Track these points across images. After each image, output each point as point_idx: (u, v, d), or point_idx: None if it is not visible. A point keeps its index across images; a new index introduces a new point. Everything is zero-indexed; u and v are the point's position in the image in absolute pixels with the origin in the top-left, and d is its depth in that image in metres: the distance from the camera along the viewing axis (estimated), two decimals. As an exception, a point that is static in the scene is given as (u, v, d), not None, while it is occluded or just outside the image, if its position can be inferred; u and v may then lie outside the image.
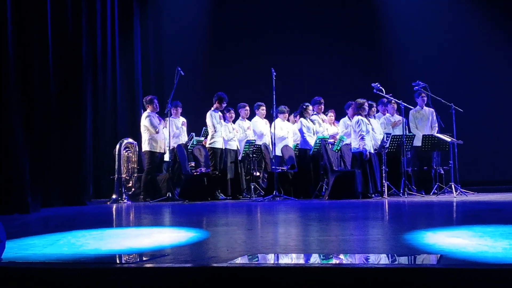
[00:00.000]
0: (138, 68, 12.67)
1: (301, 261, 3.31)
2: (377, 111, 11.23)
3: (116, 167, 10.46)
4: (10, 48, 7.91)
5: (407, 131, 10.84)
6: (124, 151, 10.60)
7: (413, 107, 11.03)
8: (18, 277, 2.98)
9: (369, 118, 10.29)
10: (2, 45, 7.82)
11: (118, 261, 3.49)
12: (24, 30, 8.32)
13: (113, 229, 5.73)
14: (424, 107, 11.11)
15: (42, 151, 8.73)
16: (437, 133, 10.71)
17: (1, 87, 7.69)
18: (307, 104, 10.87)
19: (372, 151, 10.11)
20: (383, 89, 10.38)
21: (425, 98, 11.00)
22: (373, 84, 10.34)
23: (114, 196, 10.30)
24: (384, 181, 9.91)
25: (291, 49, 13.85)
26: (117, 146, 10.57)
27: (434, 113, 11.06)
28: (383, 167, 9.95)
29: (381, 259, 3.26)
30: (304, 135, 10.65)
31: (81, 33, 10.11)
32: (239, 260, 3.21)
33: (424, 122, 11.07)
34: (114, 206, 9.43)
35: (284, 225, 5.75)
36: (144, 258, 3.48)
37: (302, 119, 10.81)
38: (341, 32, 13.88)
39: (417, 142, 10.68)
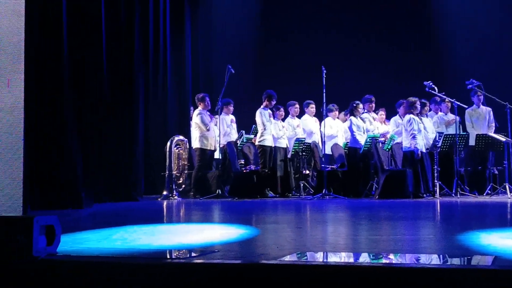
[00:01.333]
0: (188, 66, 12.78)
1: (351, 260, 3.29)
2: (430, 110, 11.05)
3: (167, 164, 10.58)
4: (65, 46, 8.09)
5: (460, 130, 10.64)
6: (175, 148, 10.72)
7: (466, 106, 10.82)
8: (72, 270, 3.05)
9: (422, 117, 10.15)
10: (58, 44, 8.00)
11: (168, 257, 3.53)
12: (79, 27, 8.50)
13: (164, 225, 5.80)
14: (481, 106, 10.87)
15: (95, 147, 8.90)
16: (493, 132, 10.48)
17: (55, 84, 7.87)
18: (357, 102, 10.78)
19: (424, 150, 9.97)
20: (435, 87, 10.22)
21: (481, 97, 10.76)
22: (425, 83, 10.19)
23: (164, 193, 10.43)
24: (436, 181, 9.76)
25: (342, 46, 13.75)
26: (168, 143, 10.69)
27: (491, 112, 10.82)
28: (435, 167, 9.79)
29: (433, 260, 3.21)
30: (354, 133, 10.58)
31: (133, 31, 10.27)
32: (288, 258, 3.21)
33: (481, 121, 10.83)
34: (165, 203, 9.55)
35: (333, 224, 5.73)
36: (194, 254, 3.52)
37: (352, 117, 10.73)
38: (393, 30, 13.71)
39: (473, 142, 10.47)
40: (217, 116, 10.90)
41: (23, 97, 5.61)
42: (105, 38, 9.33)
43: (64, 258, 3.20)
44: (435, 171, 9.76)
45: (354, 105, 10.74)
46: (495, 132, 10.53)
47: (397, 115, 11.01)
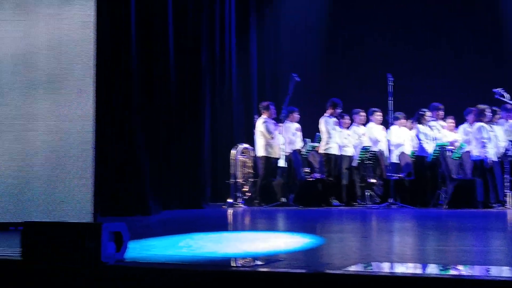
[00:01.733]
0: (254, 74, 12.86)
1: (418, 271, 3.23)
2: (501, 117, 10.74)
3: (232, 172, 10.65)
4: (134, 53, 8.27)
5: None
6: (240, 156, 10.79)
7: (539, 113, 10.45)
8: (139, 276, 3.11)
9: (492, 125, 9.88)
10: (127, 55, 8.19)
11: (233, 265, 3.56)
12: (147, 36, 8.70)
13: (229, 233, 5.84)
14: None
15: (162, 154, 9.07)
16: None
17: (123, 95, 8.06)
18: (424, 110, 10.59)
19: (495, 159, 9.69)
20: (506, 94, 9.94)
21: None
22: (495, 90, 9.93)
23: (229, 200, 10.49)
24: (506, 191, 9.47)
25: (409, 53, 13.54)
26: (233, 151, 10.77)
27: None
28: (506, 176, 9.50)
29: (504, 272, 3.12)
30: (421, 141, 10.39)
31: (200, 40, 10.42)
32: (353, 268, 3.18)
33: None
34: (230, 210, 9.62)
35: (400, 234, 5.64)
36: (259, 262, 3.53)
37: (419, 125, 10.55)
38: (462, 36, 13.41)
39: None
40: (281, 124, 10.90)
41: (94, 108, 5.78)
42: (173, 49, 9.50)
43: (132, 264, 3.26)
44: (506, 180, 9.48)
45: (421, 113, 10.55)
46: None
47: (466, 123, 10.74)
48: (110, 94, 7.75)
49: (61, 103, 5.76)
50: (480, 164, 9.54)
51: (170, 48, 9.46)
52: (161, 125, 9.09)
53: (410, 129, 11.23)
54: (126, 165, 7.98)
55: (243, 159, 10.87)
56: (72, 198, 5.64)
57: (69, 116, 5.77)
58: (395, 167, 10.48)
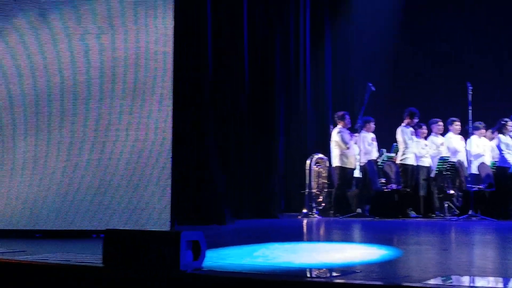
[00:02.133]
0: (328, 83, 12.82)
1: (499, 285, 3.13)
2: None
3: (307, 181, 10.63)
4: (209, 65, 8.41)
5: None
6: (315, 166, 10.76)
7: None
8: (217, 284, 3.14)
9: None
10: (203, 65, 8.33)
11: (309, 275, 3.54)
12: (222, 49, 8.84)
13: (304, 243, 5.83)
14: None
15: (237, 164, 9.16)
16: None
17: (199, 104, 8.20)
18: (506, 119, 10.27)
19: None
20: None
21: None
22: None
23: (304, 211, 10.47)
24: None
25: (489, 61, 13.17)
26: (308, 161, 10.75)
27: None
28: None
29: None
30: (503, 152, 10.07)
31: (274, 51, 10.49)
32: (433, 281, 3.11)
33: None
34: (305, 221, 9.59)
35: (480, 247, 5.48)
36: (335, 274, 3.50)
37: (500, 135, 10.24)
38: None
39: None
40: (357, 134, 10.81)
41: (171, 119, 5.91)
42: (247, 58, 9.61)
43: (209, 272, 3.30)
44: None
45: (503, 122, 10.24)
46: None
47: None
48: (187, 105, 7.89)
49: (141, 113, 5.92)
50: None
51: (245, 60, 9.58)
52: (235, 135, 9.19)
53: (491, 139, 10.91)
54: (202, 175, 8.10)
55: (318, 169, 10.83)
56: (150, 206, 5.77)
57: (148, 126, 5.92)
58: (475, 178, 10.19)
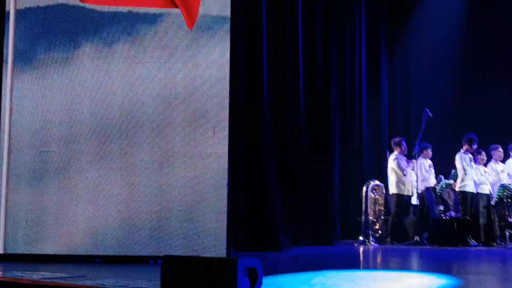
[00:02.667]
0: (385, 109, 12.72)
1: None
2: None
3: (363, 209, 10.51)
4: (265, 92, 8.48)
5: None
6: (371, 193, 10.64)
7: None
8: (274, 312, 3.13)
9: None
10: (259, 91, 8.41)
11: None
12: (278, 75, 8.91)
13: (361, 271, 5.75)
14: None
15: (292, 191, 9.16)
16: None
17: (256, 130, 8.26)
18: None
19: None
20: None
21: None
22: None
23: (361, 238, 10.34)
24: None
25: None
26: (364, 188, 10.64)
27: None
28: None
29: None
30: None
31: (330, 79, 10.51)
32: (496, 312, 3.02)
33: None
34: (362, 248, 9.47)
35: (545, 277, 5.29)
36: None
37: None
38: None
39: None
40: (414, 161, 10.66)
41: (228, 145, 5.97)
42: (302, 87, 9.65)
43: (266, 300, 3.29)
44: None
45: None
46: None
47: None
48: (243, 132, 7.97)
49: (197, 141, 5.99)
50: None
51: (301, 85, 9.61)
52: (291, 163, 9.22)
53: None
54: (258, 202, 8.13)
55: (374, 196, 10.70)
56: (207, 232, 5.81)
57: (205, 153, 5.98)
58: (538, 206, 9.89)
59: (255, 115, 8.28)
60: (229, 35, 6.02)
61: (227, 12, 6.05)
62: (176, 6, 6.00)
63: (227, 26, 6.05)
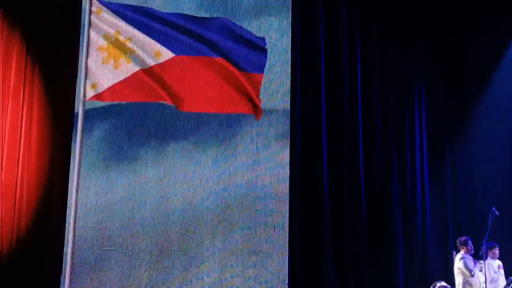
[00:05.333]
0: (449, 207, 12.43)
1: None
2: None
3: (429, 311, 10.13)
4: (325, 189, 8.47)
5: None
6: (437, 295, 10.26)
7: None
8: None
9: None
10: (319, 188, 8.41)
11: None
12: (336, 173, 8.91)
13: None
14: None
15: (353, 284, 9.01)
16: None
17: (314, 228, 8.21)
18: None
19: None
20: None
21: None
22: None
23: None
24: None
25: None
26: (429, 290, 10.29)
27: None
28: None
29: None
30: None
31: (392, 177, 10.46)
32: None
33: None
34: None
35: None
36: None
37: None
38: None
39: None
40: (481, 261, 10.28)
41: (288, 246, 5.91)
42: (364, 182, 9.59)
43: None
44: None
45: None
46: None
47: None
48: (304, 231, 7.93)
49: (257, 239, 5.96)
50: None
51: (361, 181, 9.57)
52: (351, 260, 9.08)
53: None
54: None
55: (441, 297, 10.31)
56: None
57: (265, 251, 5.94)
58: None
59: (314, 214, 8.27)
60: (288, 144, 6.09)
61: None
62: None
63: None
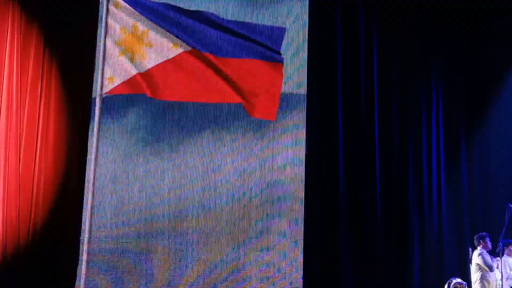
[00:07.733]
0: (465, 204, 12.36)
1: None
2: None
3: (446, 308, 10.13)
4: (341, 186, 8.47)
5: None
6: (453, 292, 10.25)
7: None
8: None
9: None
10: (334, 183, 8.42)
11: None
12: (353, 168, 8.92)
13: None
14: None
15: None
16: None
17: (331, 227, 8.22)
18: None
19: None
20: None
21: None
22: None
23: None
24: None
25: None
26: (446, 286, 10.27)
27: None
28: None
29: None
30: None
31: (408, 172, 10.44)
32: None
33: None
34: None
35: None
36: None
37: None
38: None
39: None
40: (498, 258, 10.24)
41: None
42: (379, 178, 9.58)
43: None
44: None
45: None
46: None
47: None
48: (318, 231, 7.96)
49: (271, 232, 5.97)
50: None
51: (377, 178, 9.56)
52: (369, 259, 9.10)
53: None
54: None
55: (456, 295, 10.30)
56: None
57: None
58: None
59: (330, 213, 8.31)
60: (305, 132, 6.10)
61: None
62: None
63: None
